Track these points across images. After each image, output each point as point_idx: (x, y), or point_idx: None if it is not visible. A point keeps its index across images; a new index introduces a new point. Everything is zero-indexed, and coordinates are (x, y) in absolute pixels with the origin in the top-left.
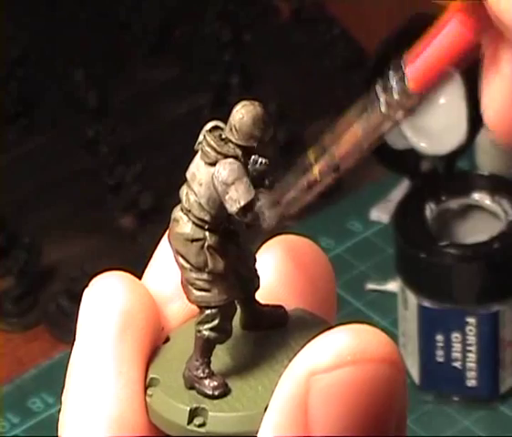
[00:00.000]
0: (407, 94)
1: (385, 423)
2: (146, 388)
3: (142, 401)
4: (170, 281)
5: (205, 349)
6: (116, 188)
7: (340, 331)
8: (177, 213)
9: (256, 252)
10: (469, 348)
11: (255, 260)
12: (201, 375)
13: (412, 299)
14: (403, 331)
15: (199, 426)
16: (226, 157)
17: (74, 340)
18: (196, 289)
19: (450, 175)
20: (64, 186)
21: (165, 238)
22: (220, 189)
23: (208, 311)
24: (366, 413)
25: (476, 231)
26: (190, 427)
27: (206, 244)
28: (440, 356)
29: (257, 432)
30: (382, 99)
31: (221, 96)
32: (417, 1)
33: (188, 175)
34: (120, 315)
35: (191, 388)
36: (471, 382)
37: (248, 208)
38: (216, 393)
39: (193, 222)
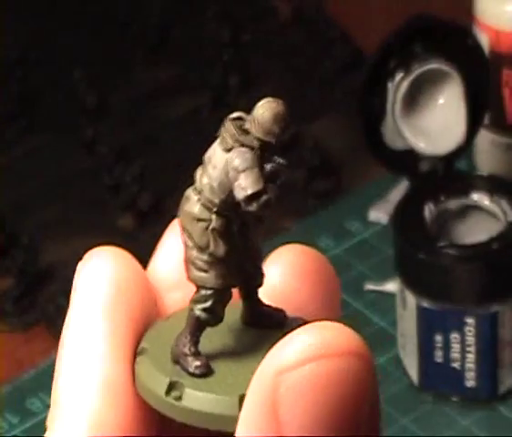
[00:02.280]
0: None
1: (356, 415)
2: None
3: (131, 368)
4: (174, 270)
5: (194, 327)
6: (115, 188)
7: (304, 329)
8: (189, 191)
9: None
10: (468, 348)
11: (261, 258)
12: (187, 352)
13: (411, 299)
14: (401, 332)
15: (175, 399)
16: (242, 145)
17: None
18: (195, 268)
19: (449, 175)
20: (63, 186)
21: (170, 227)
22: (231, 174)
23: (203, 292)
24: (335, 407)
25: (475, 232)
26: (167, 398)
27: (211, 226)
28: (439, 356)
29: (229, 417)
30: None
31: (221, 97)
32: (417, 1)
33: (205, 157)
34: (112, 285)
35: (176, 362)
36: (470, 383)
37: (254, 197)
38: (197, 372)
39: (202, 203)
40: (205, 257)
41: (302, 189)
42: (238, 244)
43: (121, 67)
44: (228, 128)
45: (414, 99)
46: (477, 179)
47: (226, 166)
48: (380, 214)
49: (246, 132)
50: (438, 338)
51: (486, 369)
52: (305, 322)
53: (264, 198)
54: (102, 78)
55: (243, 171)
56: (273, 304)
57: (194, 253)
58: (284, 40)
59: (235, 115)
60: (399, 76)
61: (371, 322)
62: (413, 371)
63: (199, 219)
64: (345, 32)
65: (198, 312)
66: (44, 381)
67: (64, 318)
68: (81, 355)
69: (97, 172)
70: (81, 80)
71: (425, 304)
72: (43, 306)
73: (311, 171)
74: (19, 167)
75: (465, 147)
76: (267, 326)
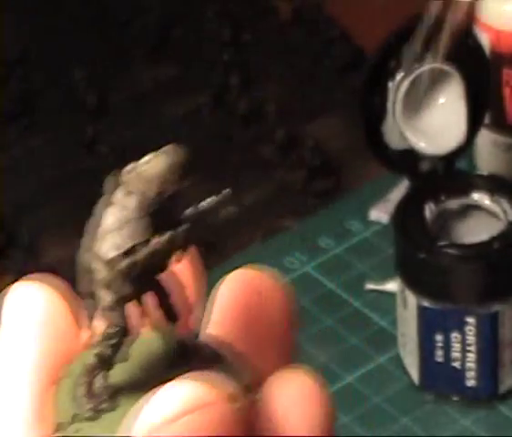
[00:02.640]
0: None
1: None
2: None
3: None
4: None
5: (92, 367)
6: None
7: (164, 390)
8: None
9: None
10: (469, 348)
11: (169, 296)
12: (82, 393)
13: (411, 298)
14: (402, 331)
15: (75, 432)
16: (123, 199)
17: None
18: (103, 305)
19: (449, 175)
20: (63, 185)
21: None
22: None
23: (109, 329)
24: None
25: (475, 231)
26: (67, 432)
27: (120, 265)
28: (439, 356)
29: None
30: None
31: (221, 96)
32: (417, 1)
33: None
34: (34, 321)
35: (75, 399)
36: (470, 382)
37: (112, 262)
38: (88, 414)
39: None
40: (111, 295)
41: (302, 189)
42: (146, 285)
43: (121, 67)
44: (114, 181)
45: (414, 99)
46: (478, 179)
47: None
48: (380, 213)
49: (128, 184)
50: (439, 337)
51: (486, 368)
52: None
53: (123, 262)
54: (102, 78)
55: (108, 232)
56: (214, 333)
57: (103, 290)
58: (284, 40)
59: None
60: (399, 75)
61: (371, 322)
62: (413, 371)
63: (108, 259)
64: (345, 32)
65: (101, 349)
66: None
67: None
68: (1, 390)
69: (96, 171)
70: (81, 80)
71: (426, 304)
72: None
73: (311, 171)
74: (19, 166)
75: (466, 147)
76: (190, 359)
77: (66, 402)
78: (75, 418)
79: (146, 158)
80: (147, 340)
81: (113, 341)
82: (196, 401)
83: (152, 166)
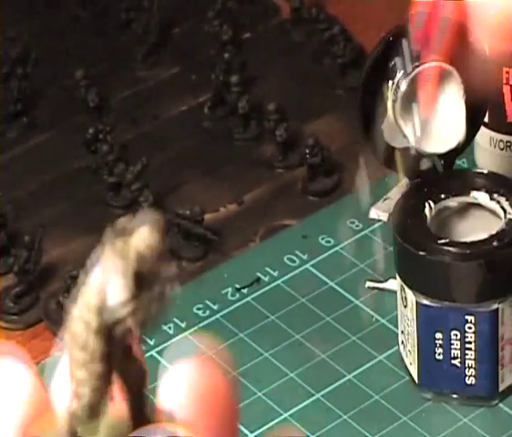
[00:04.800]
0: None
1: None
2: None
3: None
4: None
5: (69, 426)
6: (116, 186)
7: None
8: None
9: None
10: (468, 346)
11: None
12: None
13: (411, 297)
14: (402, 329)
15: None
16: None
17: None
18: (76, 363)
19: (449, 173)
20: (64, 184)
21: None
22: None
23: (80, 389)
24: None
25: (475, 230)
26: None
27: (92, 326)
28: (439, 354)
29: None
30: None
31: (221, 95)
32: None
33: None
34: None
35: None
36: (470, 380)
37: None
38: None
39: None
40: (84, 355)
41: (302, 187)
42: (117, 363)
43: (122, 66)
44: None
45: (414, 98)
46: (477, 177)
47: None
48: (380, 212)
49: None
50: (438, 335)
51: (486, 366)
52: None
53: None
54: (103, 77)
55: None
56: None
57: (74, 351)
58: (285, 38)
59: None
60: (399, 74)
61: (371, 320)
62: (413, 369)
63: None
64: (346, 31)
65: (75, 408)
66: (44, 379)
67: (64, 316)
68: None
69: (97, 170)
70: (82, 79)
71: (426, 302)
72: (44, 304)
73: (311, 169)
74: (20, 165)
75: (466, 145)
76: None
77: None
78: None
79: (133, 228)
80: (116, 422)
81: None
82: None
83: (142, 240)
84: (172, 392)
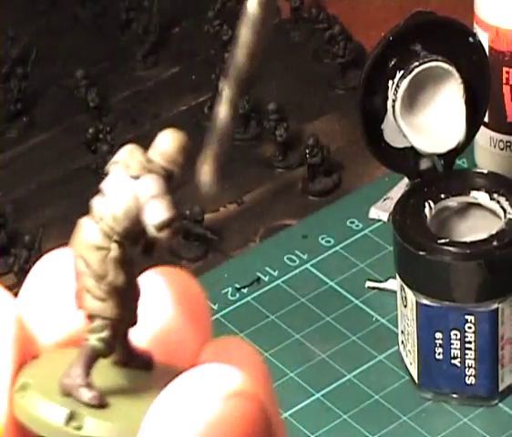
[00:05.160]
0: None
1: None
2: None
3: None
4: (46, 312)
5: (89, 358)
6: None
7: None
8: (85, 220)
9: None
10: (468, 345)
11: (139, 294)
12: (81, 383)
13: (411, 296)
14: (402, 329)
15: (76, 429)
16: (149, 173)
17: None
18: (92, 297)
19: (449, 173)
20: (64, 184)
21: (37, 267)
22: (142, 200)
23: (99, 321)
24: None
25: (474, 229)
26: (67, 428)
27: (110, 255)
28: (439, 354)
29: None
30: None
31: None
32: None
33: (103, 185)
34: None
35: (68, 395)
36: (470, 380)
37: (168, 223)
38: (94, 402)
39: (102, 230)
40: (103, 286)
41: (302, 187)
42: (133, 273)
43: (122, 66)
44: (134, 155)
45: (414, 97)
46: (477, 177)
47: (133, 192)
48: (380, 212)
49: (150, 161)
50: (438, 335)
51: (486, 366)
52: (174, 369)
53: (176, 225)
54: (103, 77)
55: (157, 197)
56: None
57: (91, 282)
58: (285, 38)
59: (132, 146)
60: (399, 74)
61: (371, 320)
62: (413, 369)
63: (99, 247)
64: (346, 31)
65: (94, 342)
66: None
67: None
68: None
69: (97, 171)
70: (82, 79)
71: (426, 301)
72: None
73: (311, 169)
74: (20, 165)
75: (465, 145)
76: (135, 367)
77: (50, 400)
78: (73, 413)
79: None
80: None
81: (104, 334)
82: (242, 388)
83: (169, 143)
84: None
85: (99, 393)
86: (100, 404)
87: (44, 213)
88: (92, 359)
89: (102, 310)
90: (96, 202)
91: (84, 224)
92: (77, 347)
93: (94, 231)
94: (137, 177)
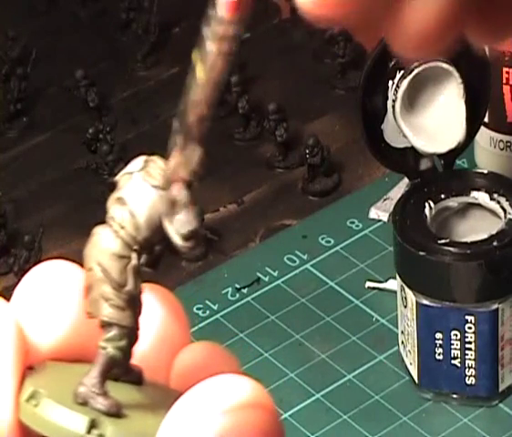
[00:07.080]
0: (223, 21)
1: None
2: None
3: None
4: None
5: (106, 366)
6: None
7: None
8: (101, 228)
9: None
10: (468, 346)
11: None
12: (98, 392)
13: (411, 297)
14: (402, 329)
15: (98, 436)
16: (171, 182)
17: None
18: (110, 305)
19: (449, 173)
20: (64, 184)
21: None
22: (167, 210)
23: (117, 330)
24: None
25: (475, 230)
26: (89, 436)
27: (131, 264)
28: (439, 354)
29: None
30: (206, 33)
31: (221, 95)
32: None
33: (122, 193)
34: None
35: (83, 404)
36: (470, 380)
37: (194, 233)
38: (112, 411)
39: (122, 239)
40: (122, 295)
41: (302, 187)
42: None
43: (122, 66)
44: (155, 165)
45: (414, 97)
46: (477, 177)
47: (156, 201)
48: (380, 212)
49: (170, 171)
50: (438, 335)
51: (486, 366)
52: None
53: (200, 236)
54: (103, 77)
55: (186, 207)
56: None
57: (110, 290)
58: (285, 38)
59: (148, 157)
60: (399, 74)
61: (371, 320)
62: (413, 369)
63: (120, 256)
64: (346, 30)
65: (112, 351)
66: None
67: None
68: None
69: (97, 171)
70: (82, 79)
71: (426, 302)
72: None
73: (311, 169)
74: (20, 165)
75: (466, 145)
76: (127, 380)
77: (69, 408)
78: (94, 421)
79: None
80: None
81: (122, 343)
82: (256, 399)
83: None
84: None
85: (117, 402)
86: (118, 413)
87: (44, 213)
88: (108, 368)
89: (121, 319)
90: (115, 211)
91: (101, 233)
92: (76, 358)
93: (113, 240)
94: (158, 187)
